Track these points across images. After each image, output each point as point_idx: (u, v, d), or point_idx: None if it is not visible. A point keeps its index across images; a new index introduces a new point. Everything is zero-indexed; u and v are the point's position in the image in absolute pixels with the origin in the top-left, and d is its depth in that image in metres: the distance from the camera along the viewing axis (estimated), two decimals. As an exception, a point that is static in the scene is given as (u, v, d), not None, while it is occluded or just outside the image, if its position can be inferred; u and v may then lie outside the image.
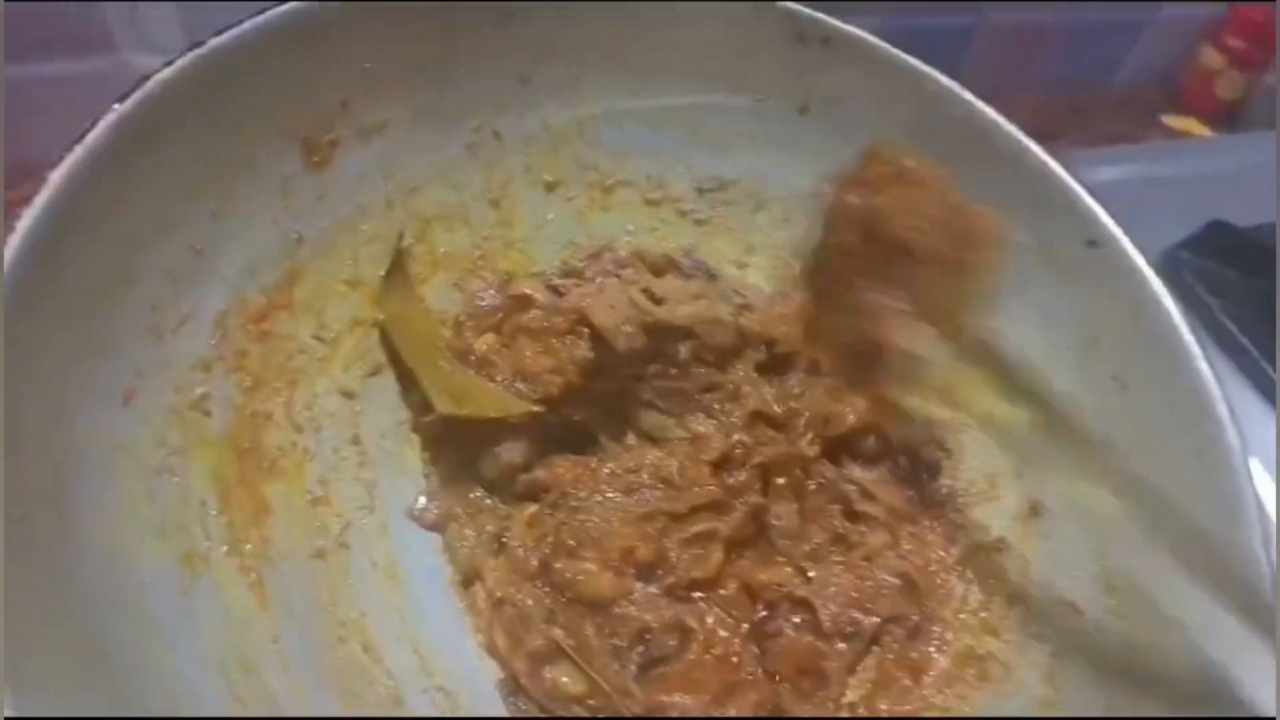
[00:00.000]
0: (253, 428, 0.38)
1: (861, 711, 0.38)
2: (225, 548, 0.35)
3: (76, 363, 0.33)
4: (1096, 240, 0.42)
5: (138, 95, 0.34)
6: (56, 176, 0.32)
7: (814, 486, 0.43)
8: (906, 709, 0.38)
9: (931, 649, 0.40)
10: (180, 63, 0.35)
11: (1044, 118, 0.94)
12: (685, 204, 0.50)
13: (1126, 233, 0.41)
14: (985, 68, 0.88)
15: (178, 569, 0.33)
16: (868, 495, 0.43)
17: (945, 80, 0.45)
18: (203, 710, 0.30)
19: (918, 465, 0.44)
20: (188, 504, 0.34)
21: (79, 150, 0.33)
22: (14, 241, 0.30)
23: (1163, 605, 0.36)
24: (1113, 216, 0.42)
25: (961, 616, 0.41)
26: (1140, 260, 0.41)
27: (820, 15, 0.45)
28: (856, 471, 0.44)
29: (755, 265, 0.50)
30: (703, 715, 0.36)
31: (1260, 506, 0.35)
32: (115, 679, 0.28)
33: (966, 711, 0.38)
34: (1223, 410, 0.37)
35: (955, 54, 0.85)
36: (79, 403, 0.32)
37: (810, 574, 0.41)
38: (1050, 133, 0.81)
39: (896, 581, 0.41)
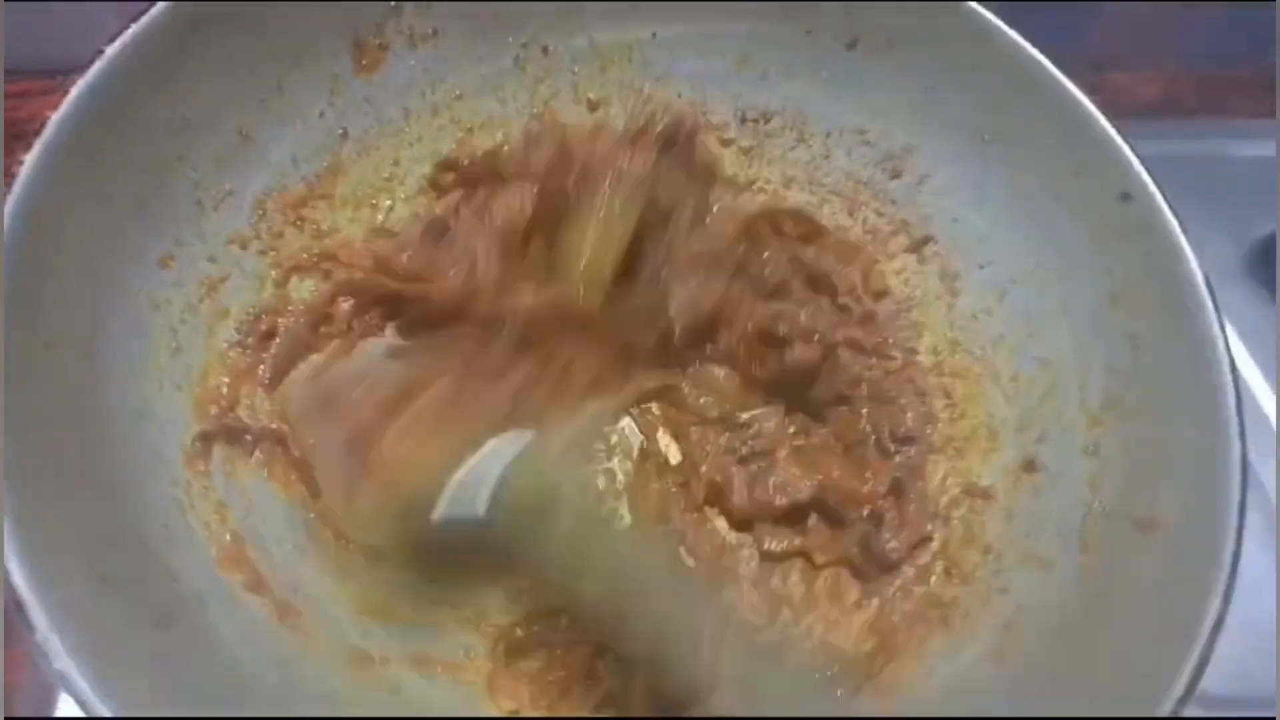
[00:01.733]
0: (275, 309, 0.41)
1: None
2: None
3: (123, 224, 0.36)
4: (1130, 193, 0.40)
5: (195, -16, 0.37)
6: (113, 49, 0.35)
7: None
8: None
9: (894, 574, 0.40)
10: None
11: (1178, 91, 0.86)
12: (728, 132, 0.50)
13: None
14: (1116, 33, 0.81)
15: (191, 416, 0.37)
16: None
17: (996, 21, 0.43)
18: (182, 539, 0.33)
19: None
20: (208, 366, 0.38)
21: (135, 28, 0.36)
22: (67, 101, 0.34)
23: (1132, 563, 0.35)
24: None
25: (937, 561, 0.41)
26: (1171, 218, 0.39)
27: (876, -52, 0.44)
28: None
29: (790, 198, 0.49)
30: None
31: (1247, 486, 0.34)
32: (116, 505, 0.32)
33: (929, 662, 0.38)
34: (1227, 381, 0.36)
35: (1085, 17, 0.80)
36: (121, 260, 0.36)
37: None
38: (1184, 107, 0.76)
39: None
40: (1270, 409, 0.57)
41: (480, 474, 0.35)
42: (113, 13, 0.46)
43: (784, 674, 0.38)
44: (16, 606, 0.25)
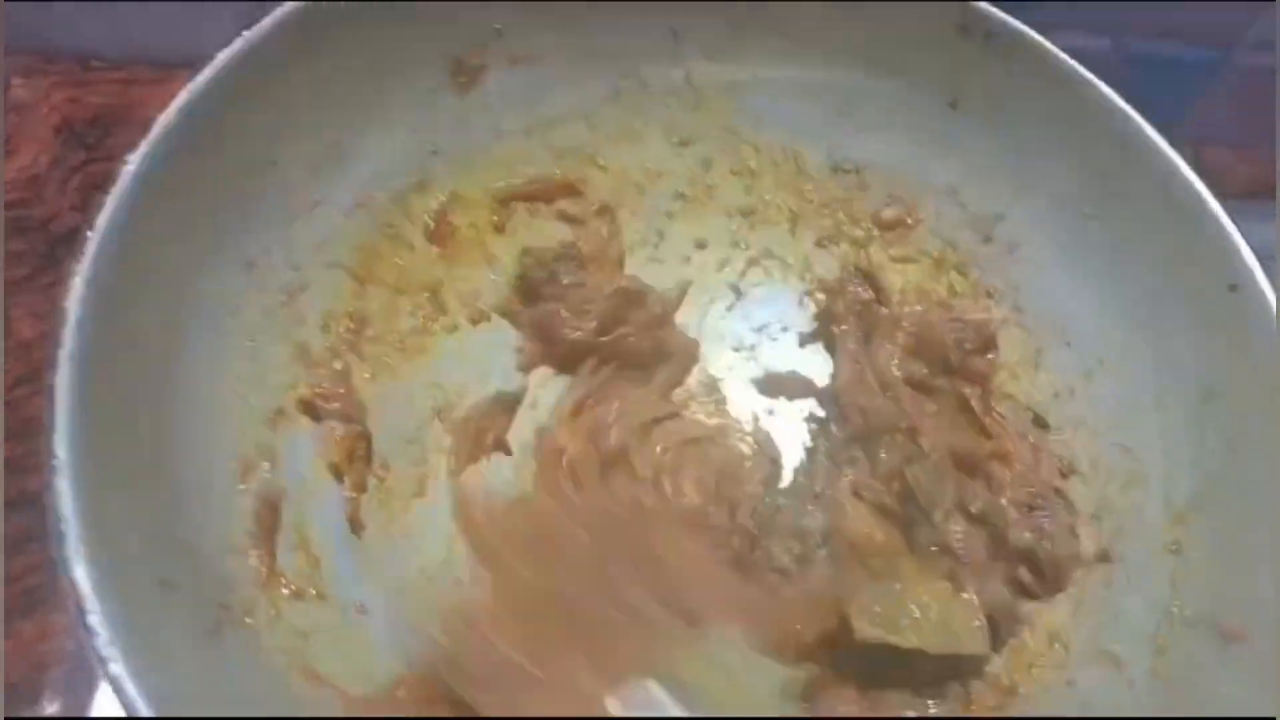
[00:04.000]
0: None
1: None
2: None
3: (213, 225, 0.37)
4: (1238, 285, 0.38)
5: (305, -2, 0.38)
6: (222, 56, 0.36)
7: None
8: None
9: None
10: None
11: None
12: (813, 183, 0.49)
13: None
14: (1220, 110, 0.78)
15: (263, 421, 0.37)
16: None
17: (1107, 90, 0.42)
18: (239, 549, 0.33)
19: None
20: (279, 372, 0.38)
21: (247, 36, 0.36)
22: (175, 102, 0.34)
23: (1209, 673, 0.33)
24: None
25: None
26: (1275, 309, 0.37)
27: (990, 8, 0.43)
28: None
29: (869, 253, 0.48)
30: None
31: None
32: (180, 510, 0.32)
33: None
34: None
35: (1189, 90, 0.77)
36: (208, 260, 0.37)
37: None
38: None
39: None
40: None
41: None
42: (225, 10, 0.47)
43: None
44: (76, 607, 0.25)
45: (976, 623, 0.37)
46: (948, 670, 0.37)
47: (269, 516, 0.35)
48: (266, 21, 0.37)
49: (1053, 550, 0.39)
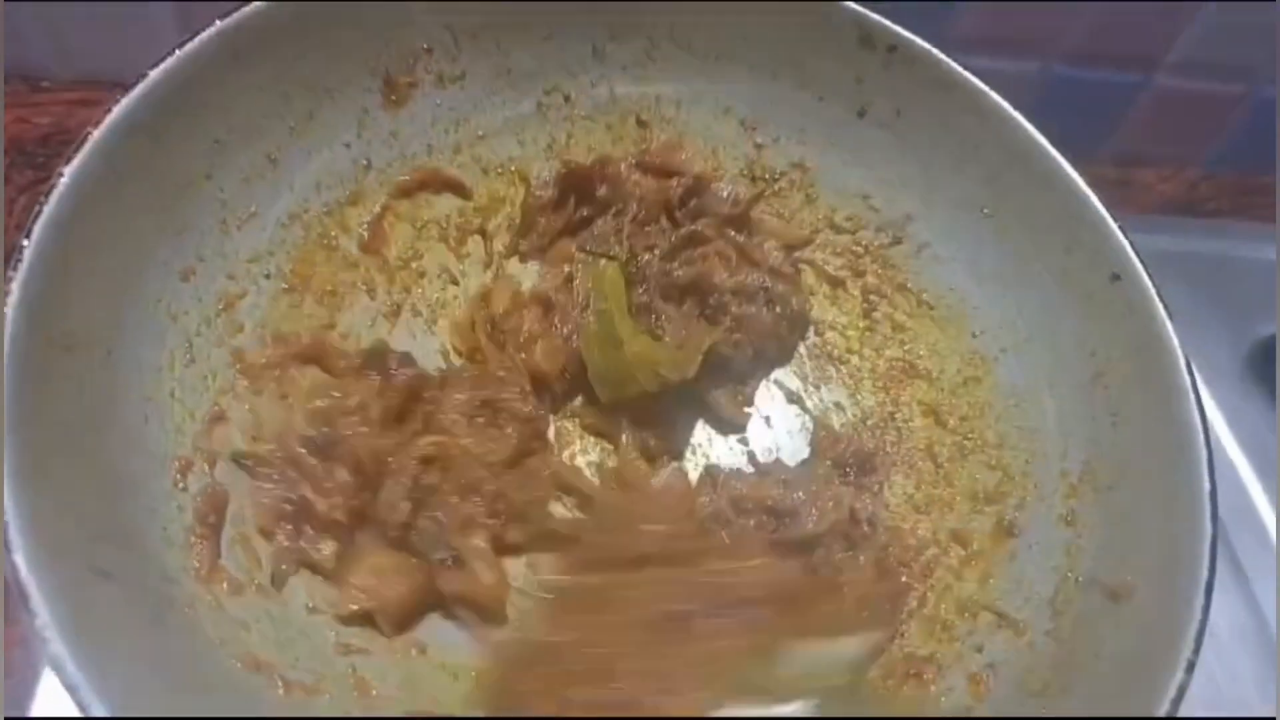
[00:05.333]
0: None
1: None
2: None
3: (149, 236, 0.38)
4: (1120, 274, 0.42)
5: (238, 16, 0.39)
6: (156, 73, 0.37)
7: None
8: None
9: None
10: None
11: (1204, 192, 0.84)
12: (737, 189, 0.51)
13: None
14: (1145, 130, 0.80)
15: (201, 423, 0.38)
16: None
17: (1000, 100, 0.45)
18: (178, 544, 0.34)
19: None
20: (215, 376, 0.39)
21: (179, 54, 0.38)
22: (111, 116, 0.35)
23: (1099, 635, 0.36)
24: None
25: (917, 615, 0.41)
26: (1158, 302, 0.40)
27: (888, 22, 0.47)
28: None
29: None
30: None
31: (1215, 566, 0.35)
32: (119, 505, 0.33)
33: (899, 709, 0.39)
34: (1203, 464, 0.37)
35: (1116, 111, 0.75)
36: (145, 270, 0.38)
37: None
38: (1214, 209, 0.77)
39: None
40: (1268, 511, 0.58)
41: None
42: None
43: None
44: (20, 591, 0.26)
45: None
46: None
47: (211, 514, 0.36)
48: (200, 37, 0.38)
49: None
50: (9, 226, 0.52)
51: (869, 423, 0.46)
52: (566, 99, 0.50)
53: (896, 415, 0.47)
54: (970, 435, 0.45)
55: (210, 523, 0.36)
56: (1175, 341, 0.39)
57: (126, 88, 0.37)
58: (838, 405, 0.47)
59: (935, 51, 0.46)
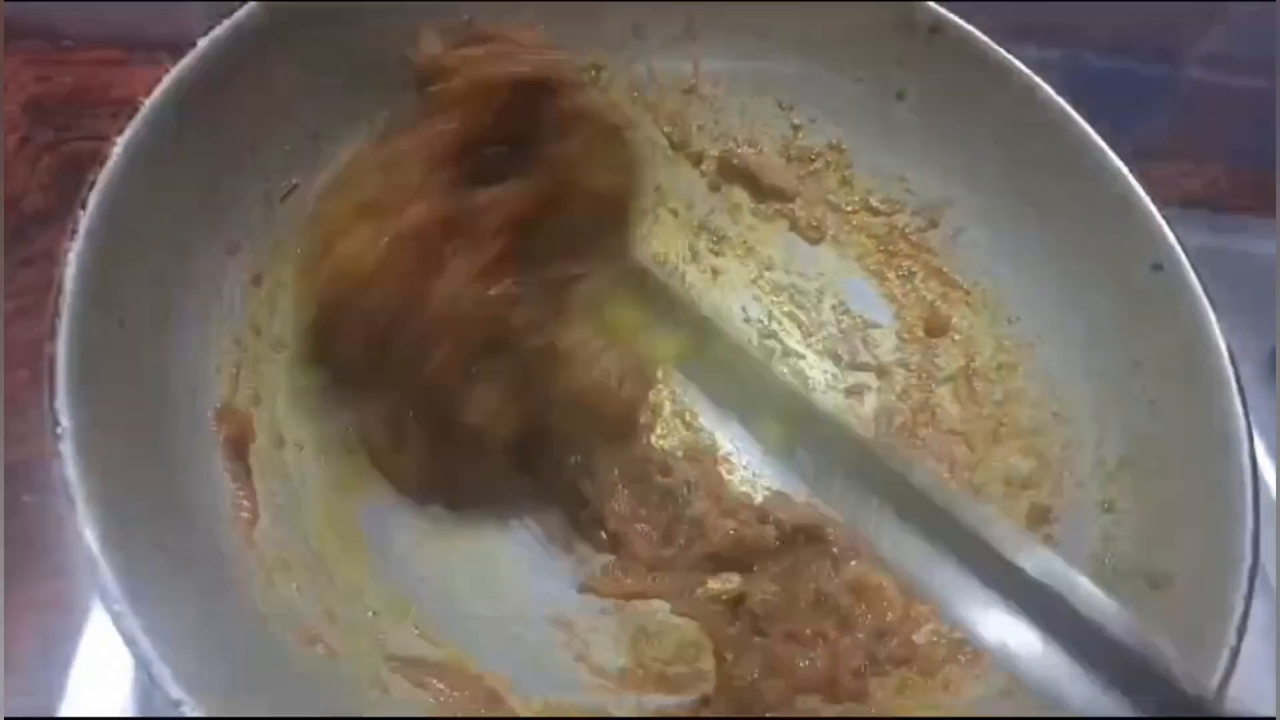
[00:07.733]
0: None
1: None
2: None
3: (195, 207, 0.38)
4: (1162, 264, 0.42)
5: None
6: (204, 44, 0.37)
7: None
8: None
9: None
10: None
11: (1224, 187, 0.84)
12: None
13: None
14: (1170, 124, 0.78)
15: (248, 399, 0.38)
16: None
17: (1044, 85, 0.45)
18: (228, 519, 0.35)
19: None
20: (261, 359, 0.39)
21: (225, 25, 0.38)
22: (162, 85, 0.35)
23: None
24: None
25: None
26: (1200, 292, 0.40)
27: (932, 2, 0.46)
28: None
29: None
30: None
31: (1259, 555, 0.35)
32: (174, 480, 0.33)
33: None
34: (1244, 453, 0.37)
35: (1143, 104, 0.76)
36: (197, 243, 0.38)
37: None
38: (1233, 204, 0.77)
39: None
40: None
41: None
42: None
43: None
44: (90, 564, 0.26)
45: None
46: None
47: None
48: (246, 10, 0.38)
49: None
50: (31, 186, 0.52)
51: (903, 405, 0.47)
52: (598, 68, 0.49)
53: (929, 400, 0.47)
54: (1005, 421, 0.45)
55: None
56: (1218, 331, 0.40)
57: (175, 56, 0.36)
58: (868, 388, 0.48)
59: (979, 34, 0.46)
